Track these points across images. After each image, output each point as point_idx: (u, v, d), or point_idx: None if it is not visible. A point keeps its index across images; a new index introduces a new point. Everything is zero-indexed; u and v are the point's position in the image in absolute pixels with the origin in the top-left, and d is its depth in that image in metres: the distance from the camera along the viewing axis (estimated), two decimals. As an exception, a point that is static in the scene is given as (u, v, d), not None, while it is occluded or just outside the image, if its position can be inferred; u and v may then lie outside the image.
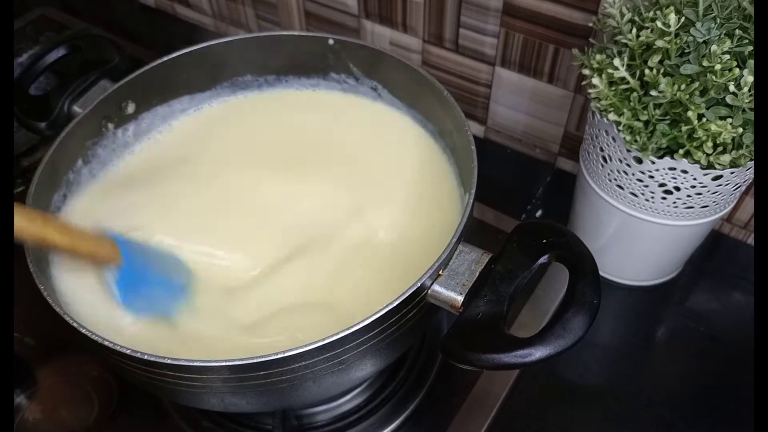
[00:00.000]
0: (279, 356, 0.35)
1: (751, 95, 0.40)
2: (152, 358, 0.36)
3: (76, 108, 0.53)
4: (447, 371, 0.54)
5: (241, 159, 0.55)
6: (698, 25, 0.41)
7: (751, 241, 0.62)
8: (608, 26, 0.46)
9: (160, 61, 0.54)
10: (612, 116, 0.45)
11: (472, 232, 0.43)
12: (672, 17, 0.40)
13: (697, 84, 0.41)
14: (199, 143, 0.58)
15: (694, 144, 0.43)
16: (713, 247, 0.62)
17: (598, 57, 0.46)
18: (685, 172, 0.45)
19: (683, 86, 0.41)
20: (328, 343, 0.36)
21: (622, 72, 0.43)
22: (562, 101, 0.62)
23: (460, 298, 0.39)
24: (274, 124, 0.59)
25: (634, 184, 0.49)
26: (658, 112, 0.44)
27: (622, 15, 0.45)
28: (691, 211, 0.49)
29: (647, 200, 0.49)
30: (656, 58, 0.42)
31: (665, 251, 0.56)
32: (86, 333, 0.37)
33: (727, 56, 0.40)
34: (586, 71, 0.47)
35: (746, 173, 0.46)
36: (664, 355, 0.57)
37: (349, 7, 0.69)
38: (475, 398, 0.52)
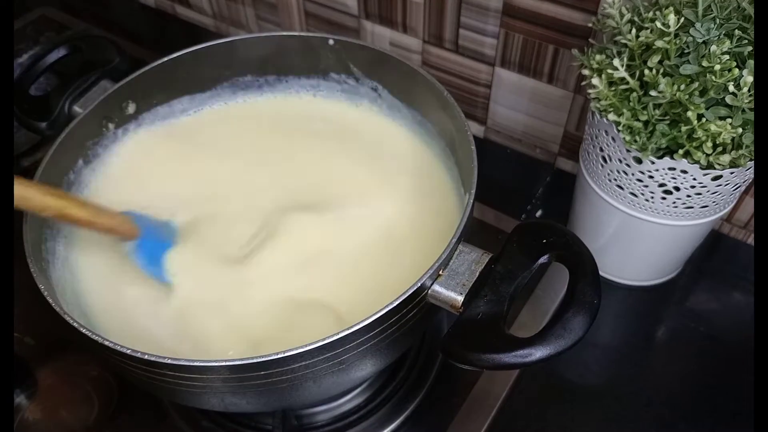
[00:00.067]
0: (279, 356, 0.35)
1: (750, 95, 0.40)
2: (152, 358, 0.36)
3: (76, 108, 0.53)
4: (447, 371, 0.54)
5: (240, 159, 0.55)
6: (698, 25, 0.41)
7: (751, 241, 0.62)
8: (608, 26, 0.46)
9: (160, 61, 0.54)
10: (612, 116, 0.45)
11: (472, 232, 0.43)
12: (671, 18, 0.40)
13: (696, 84, 0.41)
14: (199, 143, 0.58)
15: (694, 144, 0.43)
16: (713, 247, 0.62)
17: (598, 57, 0.46)
18: (684, 172, 0.45)
19: (683, 86, 0.41)
20: (328, 343, 0.36)
21: (622, 72, 0.43)
22: (562, 101, 0.62)
23: (460, 298, 0.39)
24: (274, 125, 0.59)
25: (634, 184, 0.49)
26: (657, 112, 0.44)
27: (622, 15, 0.45)
28: (691, 211, 0.49)
29: (647, 200, 0.49)
30: (656, 59, 0.42)
31: (665, 251, 0.56)
32: (86, 333, 0.37)
33: (727, 56, 0.40)
34: (585, 71, 0.47)
35: (746, 173, 0.46)
36: (664, 355, 0.57)
37: (349, 7, 0.69)
38: (475, 398, 0.53)
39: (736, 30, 0.41)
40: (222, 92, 0.59)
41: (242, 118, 0.59)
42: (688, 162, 0.44)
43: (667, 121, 0.44)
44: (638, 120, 0.44)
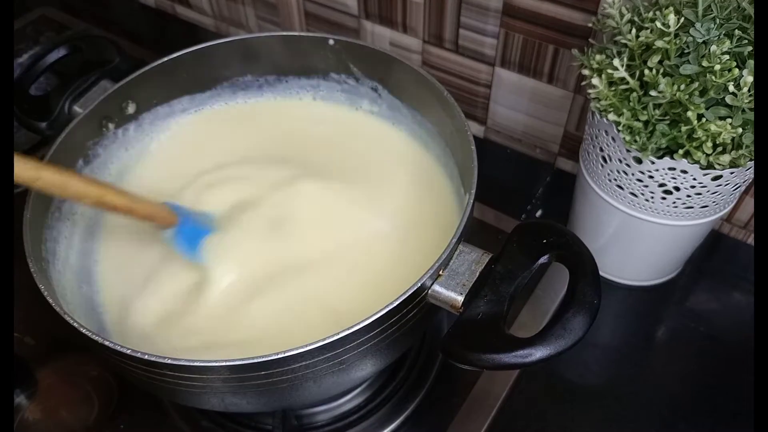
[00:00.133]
0: (279, 356, 0.35)
1: (750, 95, 0.40)
2: (152, 358, 0.36)
3: (76, 108, 0.53)
4: (447, 371, 0.54)
5: (240, 160, 0.55)
6: (698, 25, 0.41)
7: (751, 241, 0.62)
8: (608, 27, 0.46)
9: (160, 61, 0.54)
10: (612, 116, 0.45)
11: (472, 232, 0.43)
12: (671, 18, 0.40)
13: (696, 84, 0.41)
14: (199, 144, 0.58)
15: (694, 144, 0.43)
16: (713, 247, 0.62)
17: (598, 57, 0.46)
18: (684, 172, 0.45)
19: (683, 86, 0.41)
20: (328, 343, 0.36)
21: (622, 72, 0.43)
22: (562, 101, 0.62)
23: (460, 298, 0.39)
24: (273, 126, 0.59)
25: (634, 184, 0.49)
26: (657, 112, 0.44)
27: (622, 15, 0.45)
28: (691, 211, 0.49)
29: (647, 200, 0.49)
30: (656, 59, 0.42)
31: (665, 251, 0.56)
32: (86, 333, 0.37)
33: (727, 56, 0.40)
34: (585, 71, 0.47)
35: (746, 173, 0.46)
36: (664, 355, 0.57)
37: (349, 7, 0.69)
38: (475, 398, 0.53)
39: (736, 30, 0.41)
40: (222, 92, 0.59)
41: (242, 119, 0.59)
42: (688, 162, 0.44)
43: (667, 121, 0.44)
44: (638, 120, 0.44)
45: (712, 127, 0.41)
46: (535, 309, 0.57)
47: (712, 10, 0.42)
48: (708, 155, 0.43)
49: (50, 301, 0.39)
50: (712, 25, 0.41)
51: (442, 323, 0.58)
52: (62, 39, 0.59)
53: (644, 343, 0.58)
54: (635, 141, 0.45)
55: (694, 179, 0.46)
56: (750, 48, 0.41)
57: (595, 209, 0.54)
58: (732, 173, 0.45)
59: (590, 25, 0.51)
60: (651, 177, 0.47)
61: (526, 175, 0.70)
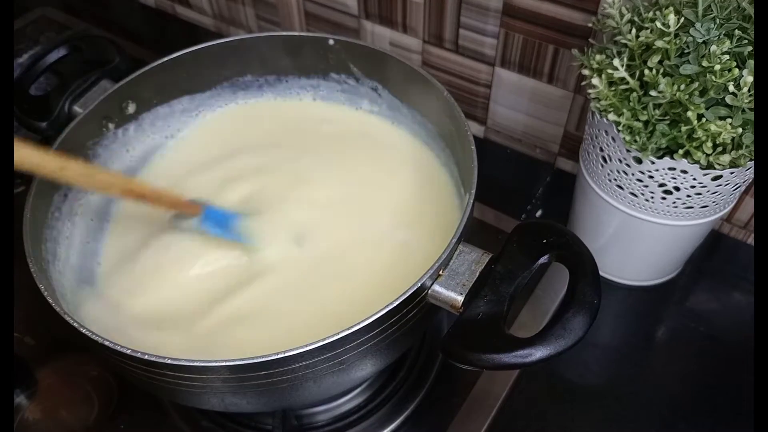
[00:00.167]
0: (279, 356, 0.35)
1: (750, 95, 0.40)
2: (152, 358, 0.36)
3: (76, 108, 0.53)
4: (447, 371, 0.54)
5: (239, 161, 0.55)
6: (698, 25, 0.41)
7: (751, 241, 0.62)
8: (608, 27, 0.46)
9: (160, 61, 0.54)
10: (612, 116, 0.45)
11: (472, 232, 0.43)
12: (671, 18, 0.40)
13: (696, 84, 0.41)
14: (198, 143, 0.58)
15: (694, 144, 0.43)
16: (713, 247, 0.62)
17: (598, 57, 0.46)
18: (684, 172, 0.45)
19: (683, 86, 0.41)
20: (328, 343, 0.36)
21: (622, 72, 0.43)
22: (562, 101, 0.62)
23: (460, 298, 0.39)
24: (274, 125, 0.59)
25: (634, 184, 0.49)
26: (657, 112, 0.44)
27: (622, 15, 0.45)
28: (691, 211, 0.49)
29: (647, 200, 0.49)
30: (656, 59, 0.42)
31: (665, 251, 0.56)
32: (86, 333, 0.37)
33: (727, 56, 0.40)
34: (585, 71, 0.47)
35: (746, 173, 0.46)
36: (664, 355, 0.57)
37: (349, 7, 0.69)
38: (475, 398, 0.53)
39: (736, 30, 0.41)
40: (222, 92, 0.59)
41: (242, 119, 0.59)
42: (688, 162, 0.44)
43: (667, 121, 0.44)
44: (638, 120, 0.44)
45: (712, 127, 0.41)
46: (535, 309, 0.57)
47: (712, 10, 0.42)
48: (708, 155, 0.43)
49: (50, 301, 0.39)
50: (712, 25, 0.41)
51: (442, 323, 0.58)
52: (62, 39, 0.59)
53: (644, 343, 0.58)
54: (635, 141, 0.45)
55: (694, 179, 0.46)
56: (750, 48, 0.41)
57: (595, 209, 0.54)
58: (732, 173, 0.45)
59: (590, 25, 0.51)
60: (651, 177, 0.47)
61: (526, 175, 0.70)
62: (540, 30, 0.58)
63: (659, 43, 0.41)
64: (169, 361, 0.36)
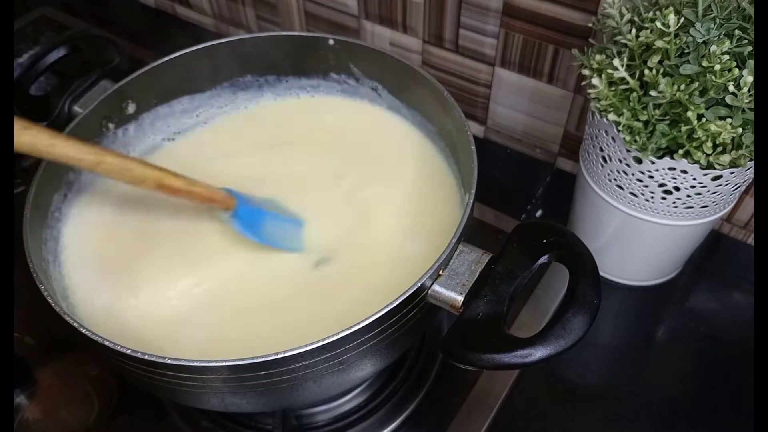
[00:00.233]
0: (279, 356, 0.35)
1: (750, 95, 0.40)
2: (152, 358, 0.36)
3: (76, 108, 0.53)
4: (447, 371, 0.54)
5: (239, 160, 0.55)
6: (698, 25, 0.41)
7: (751, 241, 0.62)
8: (608, 27, 0.46)
9: (160, 61, 0.54)
10: (612, 116, 0.45)
11: (472, 232, 0.43)
12: (671, 18, 0.40)
13: (696, 84, 0.41)
14: (198, 144, 0.58)
15: (694, 144, 0.43)
16: (713, 247, 0.62)
17: (598, 57, 0.46)
18: (684, 172, 0.45)
19: (683, 86, 0.41)
20: (328, 343, 0.36)
21: (622, 72, 0.43)
22: (562, 101, 0.62)
23: (460, 298, 0.39)
24: (274, 125, 0.59)
25: (634, 184, 0.49)
26: (657, 112, 0.44)
27: (622, 15, 0.45)
28: (691, 211, 0.49)
29: (647, 200, 0.49)
30: (656, 59, 0.42)
31: (665, 251, 0.56)
32: (86, 333, 0.37)
33: (727, 56, 0.40)
34: (585, 71, 0.47)
35: (746, 173, 0.46)
36: (664, 355, 0.57)
37: (349, 7, 0.69)
38: (475, 398, 0.53)
39: (736, 30, 0.41)
40: (222, 92, 0.59)
41: (242, 119, 0.59)
42: (688, 162, 0.44)
43: (667, 121, 0.44)
44: (638, 120, 0.44)
45: (712, 127, 0.41)
46: (535, 309, 0.57)
47: (712, 10, 0.42)
48: (708, 155, 0.43)
49: (50, 301, 0.39)
50: (712, 25, 0.41)
51: (442, 323, 0.58)
52: (62, 39, 0.59)
53: (644, 343, 0.58)
54: (635, 141, 0.45)
55: (694, 179, 0.46)
56: (750, 48, 0.41)
57: (595, 209, 0.54)
58: (732, 173, 0.45)
59: (590, 25, 0.51)
60: (651, 177, 0.47)
61: (526, 175, 0.70)
62: (540, 30, 0.58)
63: (659, 43, 0.41)
64: (169, 361, 0.36)
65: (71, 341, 0.40)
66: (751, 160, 0.43)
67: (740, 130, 0.41)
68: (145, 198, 0.53)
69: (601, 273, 0.38)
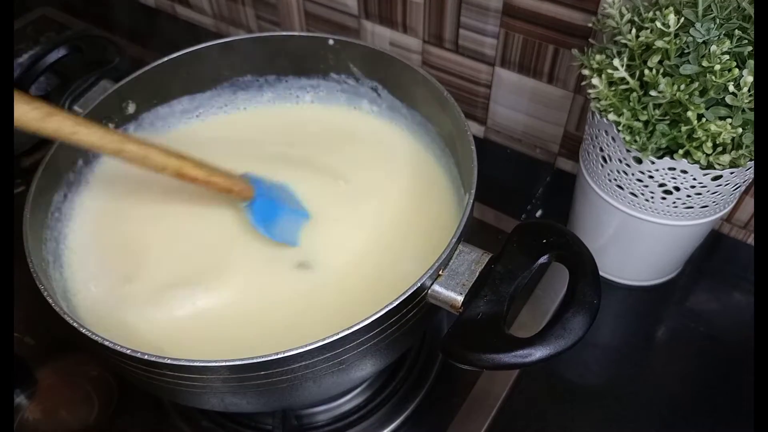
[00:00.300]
0: (279, 356, 0.35)
1: (750, 95, 0.40)
2: (152, 358, 0.36)
3: (76, 108, 0.53)
4: (447, 371, 0.54)
5: (238, 160, 0.55)
6: (698, 25, 0.41)
7: (751, 241, 0.62)
8: (608, 27, 0.46)
9: (160, 61, 0.54)
10: (612, 116, 0.45)
11: (472, 232, 0.43)
12: (671, 18, 0.40)
13: (696, 84, 0.41)
14: (199, 143, 0.58)
15: (694, 144, 0.43)
16: (713, 247, 0.62)
17: (598, 57, 0.46)
18: (684, 172, 0.45)
19: (683, 86, 0.41)
20: (328, 343, 0.36)
21: (622, 72, 0.43)
22: (562, 101, 0.62)
23: (460, 298, 0.39)
24: (273, 125, 0.59)
25: (634, 184, 0.49)
26: (657, 112, 0.44)
27: (622, 15, 0.45)
28: (691, 211, 0.49)
29: (647, 200, 0.49)
30: (656, 59, 0.42)
31: (665, 251, 0.56)
32: (86, 333, 0.37)
33: (727, 56, 0.40)
34: (585, 71, 0.47)
35: (746, 173, 0.46)
36: (664, 355, 0.57)
37: (349, 7, 0.69)
38: (475, 398, 0.53)
39: (736, 30, 0.41)
40: (222, 92, 0.59)
41: (242, 119, 0.59)
42: (688, 162, 0.44)
43: (667, 121, 0.44)
44: (638, 120, 0.44)
45: (712, 127, 0.41)
46: (535, 309, 0.57)
47: (712, 10, 0.42)
48: (708, 155, 0.43)
49: (50, 301, 0.39)
50: (712, 25, 0.41)
51: (442, 323, 0.58)
52: (62, 39, 0.59)
53: (644, 343, 0.58)
54: (635, 141, 0.45)
55: (694, 179, 0.46)
56: (750, 48, 0.41)
57: (595, 209, 0.54)
58: (732, 173, 0.45)
59: (590, 25, 0.51)
60: (651, 177, 0.47)
61: (526, 175, 0.70)
62: (540, 30, 0.58)
63: (659, 43, 0.41)
64: (169, 361, 0.36)
65: (71, 341, 0.40)
66: (751, 160, 0.43)
67: (740, 130, 0.41)
68: (146, 197, 0.53)
69: (601, 273, 0.38)
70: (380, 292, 0.43)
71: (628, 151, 0.47)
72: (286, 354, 0.35)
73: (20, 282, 0.37)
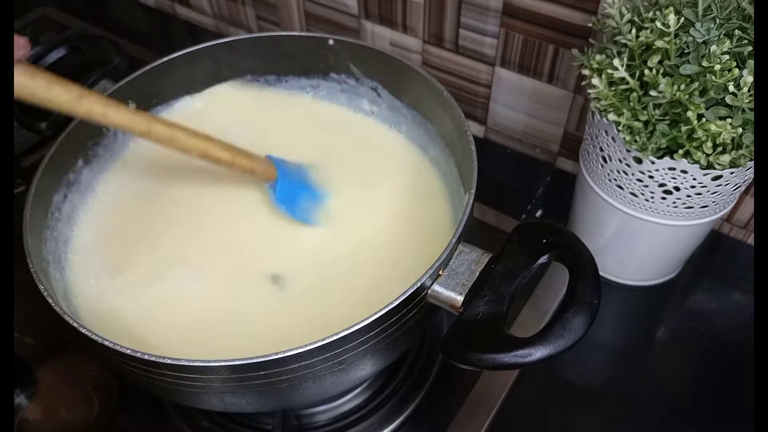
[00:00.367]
0: (279, 356, 0.35)
1: (750, 95, 0.40)
2: (152, 358, 0.36)
3: (76, 108, 0.53)
4: (447, 371, 0.54)
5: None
6: (698, 25, 0.41)
7: (751, 241, 0.62)
8: (608, 26, 0.46)
9: (160, 61, 0.54)
10: (612, 116, 0.45)
11: (472, 232, 0.43)
12: (671, 18, 0.40)
13: (696, 84, 0.41)
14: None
15: (694, 144, 0.43)
16: (713, 247, 0.62)
17: (598, 57, 0.46)
18: (684, 172, 0.45)
19: (683, 86, 0.41)
20: (328, 343, 0.36)
21: (622, 72, 0.43)
22: (562, 101, 0.62)
23: (460, 298, 0.39)
24: (273, 125, 0.59)
25: (634, 184, 0.49)
26: (657, 112, 0.44)
27: (622, 15, 0.45)
28: (691, 211, 0.49)
29: (647, 200, 0.49)
30: (656, 59, 0.42)
31: (665, 251, 0.56)
32: (86, 333, 0.37)
33: (727, 56, 0.40)
34: (585, 71, 0.47)
35: (746, 173, 0.46)
36: (664, 355, 0.57)
37: (349, 7, 0.69)
38: (475, 398, 0.52)
39: (736, 30, 0.41)
40: (222, 92, 0.59)
41: (242, 119, 0.59)
42: (688, 162, 0.44)
43: (667, 121, 0.44)
44: (638, 120, 0.44)
45: (712, 127, 0.41)
46: (535, 309, 0.57)
47: (712, 10, 0.42)
48: (708, 155, 0.43)
49: (50, 301, 0.39)
50: (712, 25, 0.41)
51: (442, 323, 0.58)
52: (62, 39, 0.59)
53: (644, 343, 0.58)
54: (635, 141, 0.45)
55: (694, 179, 0.46)
56: (750, 48, 0.41)
57: (595, 209, 0.54)
58: (732, 173, 0.45)
59: (590, 25, 0.51)
60: (651, 177, 0.47)
61: (526, 175, 0.70)
62: (540, 30, 0.58)
63: (659, 43, 0.41)
64: (169, 361, 0.36)
65: (71, 341, 0.40)
66: (751, 160, 0.43)
67: (740, 130, 0.41)
68: (147, 197, 0.53)
69: (601, 273, 0.38)
70: (380, 291, 0.43)
71: (628, 151, 0.47)
72: (286, 354, 0.35)
73: (20, 282, 0.37)
